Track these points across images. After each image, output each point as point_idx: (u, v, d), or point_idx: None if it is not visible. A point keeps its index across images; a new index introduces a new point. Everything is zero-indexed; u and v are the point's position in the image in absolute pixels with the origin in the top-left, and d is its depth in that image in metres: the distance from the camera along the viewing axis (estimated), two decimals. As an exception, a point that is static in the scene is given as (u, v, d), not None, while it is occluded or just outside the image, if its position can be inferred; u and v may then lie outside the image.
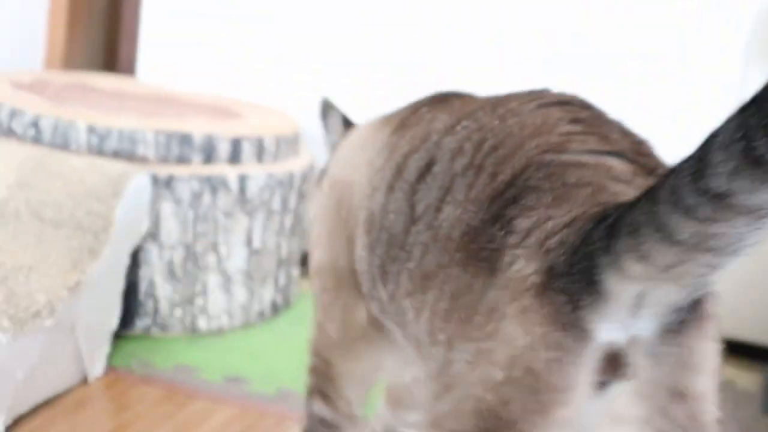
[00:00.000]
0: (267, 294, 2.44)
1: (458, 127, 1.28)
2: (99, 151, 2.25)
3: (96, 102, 2.53)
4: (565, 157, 1.14)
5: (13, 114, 2.30)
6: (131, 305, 2.25)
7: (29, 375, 1.83)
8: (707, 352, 1.09)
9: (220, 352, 2.26)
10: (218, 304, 2.34)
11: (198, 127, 2.32)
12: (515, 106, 1.25)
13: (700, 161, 0.88)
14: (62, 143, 2.26)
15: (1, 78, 2.60)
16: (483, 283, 1.12)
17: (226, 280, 2.34)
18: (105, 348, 2.10)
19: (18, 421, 1.84)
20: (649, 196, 0.95)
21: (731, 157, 0.85)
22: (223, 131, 2.33)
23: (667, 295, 1.02)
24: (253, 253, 2.37)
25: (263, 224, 2.37)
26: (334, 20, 2.80)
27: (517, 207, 1.12)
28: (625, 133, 1.19)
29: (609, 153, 1.14)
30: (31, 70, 2.85)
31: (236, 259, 2.34)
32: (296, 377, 2.15)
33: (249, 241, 2.35)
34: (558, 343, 1.04)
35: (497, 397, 1.07)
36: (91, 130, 2.26)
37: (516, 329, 1.06)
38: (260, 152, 2.38)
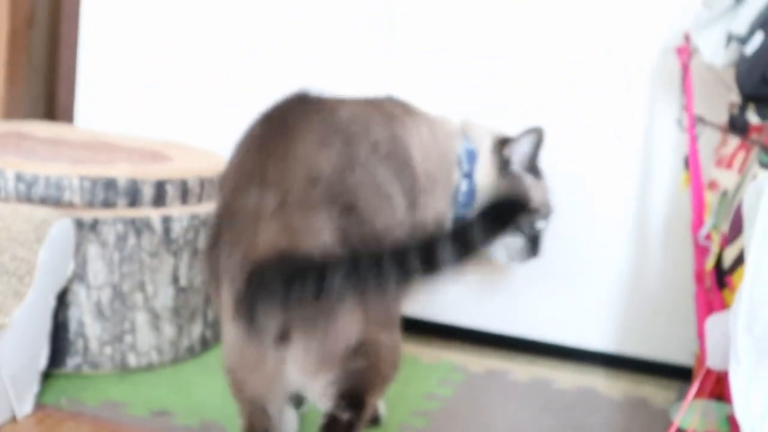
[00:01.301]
0: (196, 330, 2.53)
1: None
2: (27, 197, 2.35)
3: (30, 150, 2.63)
4: (238, 203, 1.79)
5: (-56, 165, 2.39)
6: (62, 344, 2.34)
7: (-46, 415, 1.92)
8: None
9: (148, 387, 2.35)
10: (147, 340, 2.43)
11: (123, 172, 2.41)
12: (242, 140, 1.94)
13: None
14: (-9, 191, 2.36)
15: (-63, 130, 2.69)
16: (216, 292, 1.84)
17: (154, 318, 2.43)
18: (34, 387, 2.18)
19: (-56, 459, 1.93)
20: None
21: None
22: (148, 175, 2.43)
23: None
24: (180, 290, 2.46)
25: (189, 263, 2.46)
26: (269, 62, 2.91)
27: (219, 242, 1.81)
28: (289, 164, 1.79)
29: (264, 190, 1.76)
30: (-31, 121, 2.95)
31: (163, 297, 2.43)
32: (220, 410, 2.24)
33: (175, 280, 2.45)
34: (245, 334, 1.73)
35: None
36: (18, 177, 2.35)
37: (228, 329, 1.81)
38: (184, 194, 2.48)
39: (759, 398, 1.62)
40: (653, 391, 2.60)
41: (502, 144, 2.29)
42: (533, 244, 2.36)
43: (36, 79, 3.28)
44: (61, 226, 2.21)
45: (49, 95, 3.35)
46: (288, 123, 1.86)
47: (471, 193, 2.23)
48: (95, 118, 3.11)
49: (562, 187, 2.69)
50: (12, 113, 3.17)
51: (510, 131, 2.33)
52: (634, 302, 2.70)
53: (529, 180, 2.30)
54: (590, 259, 2.71)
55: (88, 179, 2.37)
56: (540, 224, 2.35)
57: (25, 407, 2.15)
